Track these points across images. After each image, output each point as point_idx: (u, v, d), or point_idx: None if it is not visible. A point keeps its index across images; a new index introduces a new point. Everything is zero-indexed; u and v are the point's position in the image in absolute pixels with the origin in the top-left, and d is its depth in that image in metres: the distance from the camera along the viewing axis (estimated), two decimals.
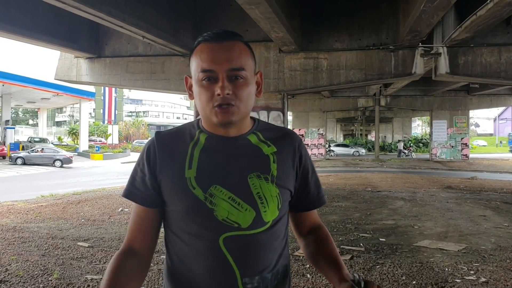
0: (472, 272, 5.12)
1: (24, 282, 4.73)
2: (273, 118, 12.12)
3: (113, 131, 47.99)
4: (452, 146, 29.48)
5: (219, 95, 1.18)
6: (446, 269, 5.23)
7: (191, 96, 1.30)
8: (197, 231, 1.19)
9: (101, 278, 4.75)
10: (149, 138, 1.35)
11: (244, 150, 1.26)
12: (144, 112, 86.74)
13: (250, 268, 1.19)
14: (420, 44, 11.62)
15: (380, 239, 6.84)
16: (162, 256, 5.78)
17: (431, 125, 30.38)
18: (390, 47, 11.60)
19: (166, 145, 1.27)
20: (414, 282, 4.76)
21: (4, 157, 30.83)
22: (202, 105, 1.22)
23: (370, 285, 1.13)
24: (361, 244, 6.51)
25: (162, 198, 1.25)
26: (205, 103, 1.21)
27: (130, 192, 1.28)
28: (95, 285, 4.62)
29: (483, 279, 4.83)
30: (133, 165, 1.33)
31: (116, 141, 47.91)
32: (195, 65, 1.23)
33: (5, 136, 34.52)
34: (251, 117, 1.34)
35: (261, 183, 1.22)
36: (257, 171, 1.23)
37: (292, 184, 1.31)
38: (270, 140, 1.30)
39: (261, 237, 1.20)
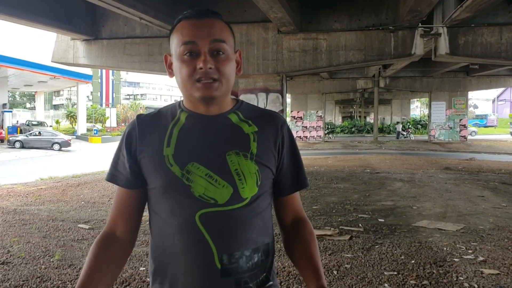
0: (470, 251, 5.17)
1: (26, 264, 4.77)
2: (272, 100, 12.08)
3: (111, 114, 47.85)
4: (451, 128, 29.50)
5: (201, 68, 1.18)
6: (445, 248, 5.27)
7: (171, 74, 1.30)
8: (174, 208, 1.19)
9: None
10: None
11: (224, 129, 1.26)
12: (141, 95, 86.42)
13: (227, 245, 1.18)
14: (420, 25, 11.54)
15: (379, 220, 6.89)
16: None
17: (429, 106, 30.36)
18: (390, 27, 11.51)
19: (146, 127, 1.27)
20: (413, 261, 4.80)
21: (2, 141, 30.76)
22: (183, 81, 1.22)
23: None
24: (360, 224, 6.56)
25: (143, 178, 1.25)
26: (186, 78, 1.20)
27: (113, 175, 1.30)
28: None
29: (481, 258, 4.88)
30: None
31: (114, 124, 47.82)
32: (175, 41, 1.23)
33: (2, 119, 34.40)
34: (235, 98, 1.34)
35: (239, 160, 1.21)
36: (236, 148, 1.23)
37: (273, 163, 1.29)
38: (251, 119, 1.29)
39: (238, 213, 1.19)
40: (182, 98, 1.33)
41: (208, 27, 1.21)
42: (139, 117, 1.31)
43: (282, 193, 1.35)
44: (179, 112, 1.28)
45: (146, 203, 1.31)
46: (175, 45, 1.23)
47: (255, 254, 1.22)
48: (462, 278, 4.26)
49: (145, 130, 1.26)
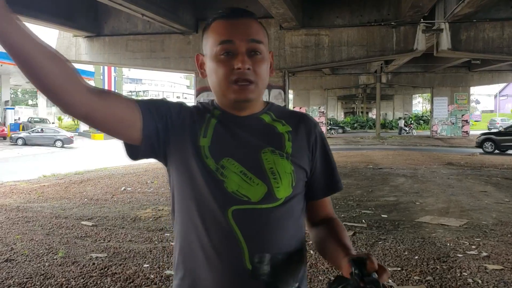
0: (473, 247, 5.17)
1: (30, 261, 4.78)
2: (274, 96, 12.08)
3: None
4: (453, 123, 29.46)
5: (239, 69, 1.14)
6: (448, 244, 5.27)
7: (203, 75, 1.26)
8: (206, 200, 1.14)
9: (106, 256, 4.82)
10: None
11: (257, 128, 1.23)
12: (144, 91, 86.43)
13: (259, 245, 1.12)
14: (422, 20, 11.50)
15: (382, 216, 6.88)
16: (166, 234, 5.83)
17: (432, 102, 30.31)
18: (392, 23, 11.49)
19: (193, 114, 1.23)
20: (416, 257, 4.80)
21: (4, 138, 30.82)
22: (219, 81, 1.18)
23: (370, 261, 1.01)
24: (363, 220, 6.55)
25: (158, 143, 1.17)
26: (222, 79, 1.16)
27: (146, 102, 1.17)
28: (100, 263, 4.66)
29: (485, 254, 4.87)
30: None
31: None
32: (211, 41, 1.19)
33: (5, 116, 34.46)
34: (265, 100, 1.32)
35: (275, 158, 1.17)
36: (271, 146, 1.19)
37: (308, 165, 1.25)
38: (283, 119, 1.26)
39: (272, 213, 1.14)
40: (212, 99, 1.30)
41: (246, 27, 1.19)
42: (200, 103, 1.29)
43: (315, 196, 1.30)
44: (212, 109, 1.25)
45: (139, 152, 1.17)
46: (210, 44, 1.20)
47: (287, 259, 1.16)
48: (466, 274, 4.26)
49: (192, 116, 1.22)
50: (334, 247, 1.16)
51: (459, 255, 4.85)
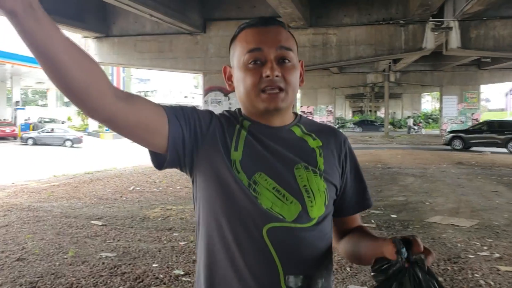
0: (485, 248, 5.12)
1: (40, 260, 4.81)
2: None
3: None
4: (463, 122, 29.21)
5: (268, 76, 1.10)
6: (459, 244, 5.23)
7: (230, 87, 1.22)
8: (240, 217, 1.08)
9: (116, 256, 4.84)
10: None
11: (289, 141, 1.17)
12: (152, 91, 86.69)
13: (294, 266, 1.08)
14: (431, 19, 11.43)
15: (391, 216, 6.85)
16: (175, 233, 5.85)
17: (441, 100, 30.12)
18: (400, 21, 11.43)
19: (223, 124, 1.17)
20: None
21: (15, 138, 31.10)
22: (247, 90, 1.13)
23: (415, 242, 0.95)
24: (372, 220, 6.52)
25: (183, 151, 1.10)
26: (251, 88, 1.12)
27: (174, 109, 1.11)
28: (110, 263, 4.69)
29: (497, 255, 4.83)
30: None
31: None
32: (239, 50, 1.16)
33: (15, 117, 34.76)
34: (294, 112, 1.27)
35: (308, 175, 1.12)
36: (304, 162, 1.14)
37: (338, 181, 1.20)
38: (314, 133, 1.21)
39: (306, 233, 1.10)
40: (237, 108, 1.25)
41: (274, 34, 1.15)
42: (226, 111, 1.24)
43: (345, 214, 1.26)
44: (241, 119, 1.19)
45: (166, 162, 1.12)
46: (238, 54, 1.16)
47: (319, 280, 1.12)
48: (478, 275, 4.22)
49: (224, 126, 1.16)
50: (369, 242, 1.13)
51: (470, 256, 4.81)
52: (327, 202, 1.14)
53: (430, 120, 46.01)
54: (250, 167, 1.11)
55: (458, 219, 6.56)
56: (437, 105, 43.18)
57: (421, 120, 43.21)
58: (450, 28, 11.60)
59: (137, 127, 1.03)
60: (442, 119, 29.73)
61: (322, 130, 1.24)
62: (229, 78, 1.23)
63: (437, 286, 0.92)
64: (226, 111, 1.24)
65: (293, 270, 1.07)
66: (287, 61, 1.14)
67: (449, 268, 4.44)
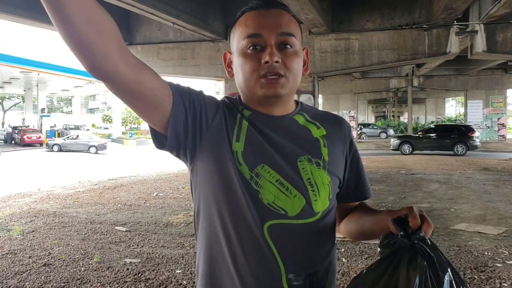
0: None
1: (66, 266, 4.90)
2: (303, 102, 12.01)
3: None
4: (488, 127, 28.63)
5: (267, 62, 1.05)
6: (486, 253, 5.11)
7: (230, 74, 1.18)
8: (242, 213, 1.04)
9: (139, 262, 4.88)
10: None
11: (292, 131, 1.13)
12: None
13: (296, 264, 1.05)
14: (455, 22, 11.26)
15: None
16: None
17: (465, 105, 29.59)
18: (424, 26, 11.28)
19: (225, 113, 1.12)
20: None
21: (41, 145, 31.80)
22: (245, 77, 1.09)
23: (411, 217, 0.98)
24: None
25: (184, 134, 1.06)
26: (249, 74, 1.08)
27: (181, 90, 1.07)
28: (134, 268, 4.74)
29: None
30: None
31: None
32: (238, 34, 1.11)
33: (41, 124, 35.57)
34: (295, 100, 1.23)
35: (312, 168, 1.09)
36: (307, 154, 1.10)
37: (342, 173, 1.18)
38: (318, 121, 1.18)
39: (309, 229, 1.07)
40: (237, 95, 1.20)
41: (275, 17, 1.10)
42: (227, 97, 1.19)
43: (347, 201, 1.24)
44: (241, 108, 1.15)
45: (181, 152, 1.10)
46: (237, 38, 1.12)
47: (323, 275, 1.09)
48: (506, 285, 4.12)
49: (226, 114, 1.12)
50: (372, 217, 1.14)
51: (498, 264, 4.70)
52: (331, 196, 1.12)
53: None
54: (252, 159, 1.07)
55: (484, 226, 6.42)
56: (462, 110, 42.37)
57: None
58: (475, 32, 11.40)
59: (136, 97, 0.99)
60: (467, 124, 29.18)
61: (326, 118, 1.21)
62: (229, 65, 1.19)
63: (442, 257, 0.96)
64: (227, 97, 1.19)
65: (295, 268, 1.05)
66: (288, 46, 1.09)
67: (476, 277, 4.34)
